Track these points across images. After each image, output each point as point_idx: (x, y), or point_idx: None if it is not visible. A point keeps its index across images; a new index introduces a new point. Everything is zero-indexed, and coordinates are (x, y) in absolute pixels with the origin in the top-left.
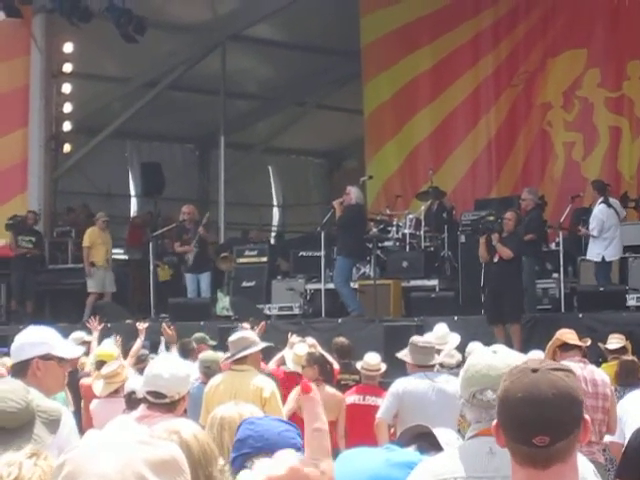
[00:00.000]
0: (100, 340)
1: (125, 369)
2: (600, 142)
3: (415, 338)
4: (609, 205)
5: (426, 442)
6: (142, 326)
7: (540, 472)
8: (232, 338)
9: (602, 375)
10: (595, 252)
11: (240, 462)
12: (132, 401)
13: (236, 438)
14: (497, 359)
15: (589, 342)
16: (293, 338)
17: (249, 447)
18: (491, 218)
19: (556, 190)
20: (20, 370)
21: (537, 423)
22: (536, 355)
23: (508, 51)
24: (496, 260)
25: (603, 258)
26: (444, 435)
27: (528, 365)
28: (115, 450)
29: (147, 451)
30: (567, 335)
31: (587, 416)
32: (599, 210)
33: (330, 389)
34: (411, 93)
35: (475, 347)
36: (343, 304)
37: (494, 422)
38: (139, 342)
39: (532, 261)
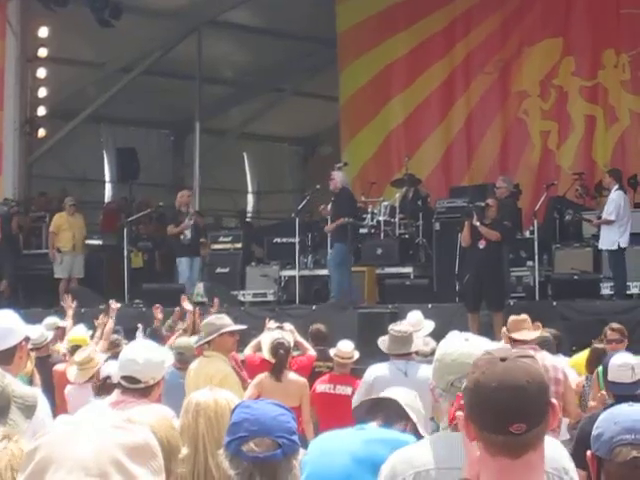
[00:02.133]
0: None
1: (98, 354)
2: (575, 131)
3: (391, 326)
4: (625, 192)
5: (383, 413)
6: (114, 305)
7: (512, 462)
8: (202, 323)
9: (553, 361)
10: (611, 240)
11: (235, 446)
12: (106, 386)
13: (231, 422)
14: (472, 347)
15: (540, 329)
16: (270, 324)
17: (245, 430)
18: (480, 204)
19: (532, 178)
20: (9, 356)
21: (514, 411)
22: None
23: (482, 39)
24: (482, 246)
25: (619, 245)
26: (404, 395)
27: (495, 355)
28: (89, 435)
29: (122, 436)
30: (518, 329)
31: (554, 400)
32: (617, 195)
33: (292, 375)
34: (386, 80)
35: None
36: (317, 291)
37: (461, 415)
38: (111, 323)
39: (506, 249)
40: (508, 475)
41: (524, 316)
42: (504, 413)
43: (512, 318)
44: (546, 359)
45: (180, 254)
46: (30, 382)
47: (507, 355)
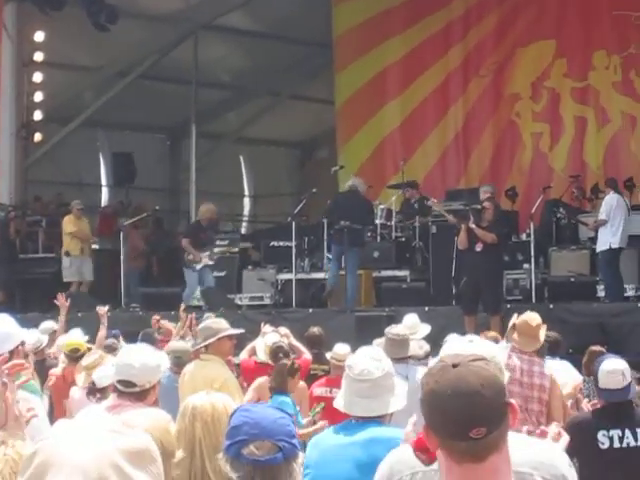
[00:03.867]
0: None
1: (105, 359)
2: (566, 132)
3: (388, 329)
4: (620, 195)
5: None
6: (102, 310)
7: (477, 466)
8: (199, 327)
9: (542, 368)
10: (603, 240)
11: (235, 449)
12: (91, 390)
13: (230, 425)
14: (476, 348)
15: (544, 332)
16: (266, 328)
17: (245, 434)
18: (477, 206)
19: (524, 181)
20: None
21: (471, 416)
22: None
23: (477, 41)
24: (479, 249)
25: (610, 246)
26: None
27: (446, 361)
28: (89, 440)
29: (121, 440)
30: (526, 335)
31: (512, 400)
32: (609, 197)
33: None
34: (382, 83)
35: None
36: (314, 295)
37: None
38: (103, 330)
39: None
40: (474, 479)
41: (538, 320)
42: (462, 419)
43: (524, 319)
44: (535, 364)
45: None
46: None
47: (459, 361)
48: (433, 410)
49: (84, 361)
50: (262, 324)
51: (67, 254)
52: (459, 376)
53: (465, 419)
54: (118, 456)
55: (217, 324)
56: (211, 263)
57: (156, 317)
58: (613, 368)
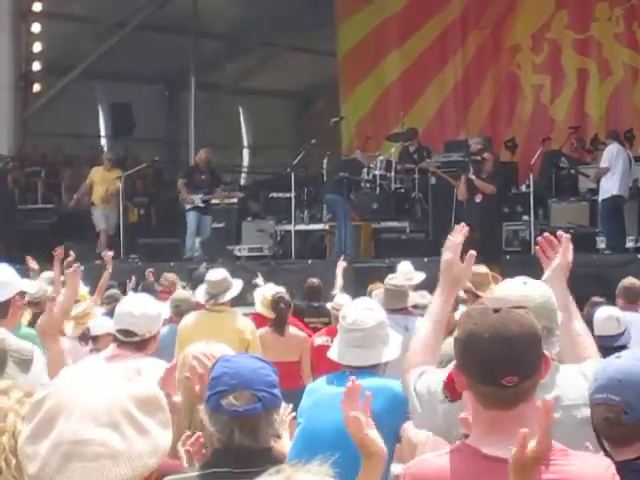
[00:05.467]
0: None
1: (95, 308)
2: (568, 84)
3: (386, 280)
4: (622, 146)
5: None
6: (108, 255)
7: (504, 413)
8: (212, 278)
9: None
10: (604, 188)
11: (215, 400)
12: (84, 337)
13: (211, 376)
14: (531, 290)
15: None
16: (258, 280)
17: (224, 384)
18: (477, 157)
19: (525, 132)
20: (3, 310)
21: (506, 363)
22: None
23: None
24: (479, 200)
25: (612, 194)
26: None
27: (487, 305)
28: (99, 385)
29: (131, 387)
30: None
31: (546, 352)
32: (611, 146)
33: (293, 330)
34: (383, 35)
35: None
36: (313, 245)
37: (452, 366)
38: (106, 274)
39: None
40: (500, 426)
41: (483, 270)
42: (496, 365)
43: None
44: None
45: (188, 209)
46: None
47: (500, 306)
48: (468, 352)
49: (73, 311)
50: (255, 277)
51: (92, 204)
52: (500, 320)
53: (499, 365)
54: (129, 402)
55: (229, 276)
56: (201, 205)
57: (150, 270)
58: (607, 315)
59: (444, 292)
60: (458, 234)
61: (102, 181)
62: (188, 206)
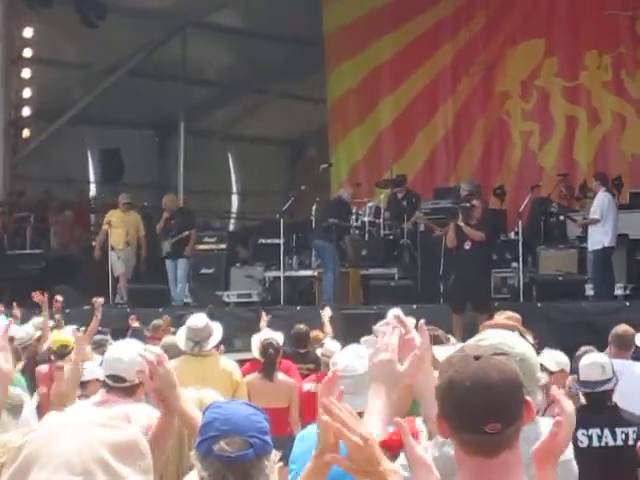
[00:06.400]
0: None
1: (93, 355)
2: (556, 132)
3: (376, 326)
4: (610, 194)
5: None
6: (98, 302)
7: (488, 460)
8: (193, 324)
9: None
10: (595, 239)
11: (206, 445)
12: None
13: (202, 422)
14: (515, 339)
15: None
16: (263, 319)
17: (215, 430)
18: (465, 204)
19: (513, 179)
20: None
21: (488, 411)
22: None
23: (467, 40)
24: (467, 247)
25: (603, 245)
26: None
27: (468, 352)
28: (75, 433)
29: (107, 434)
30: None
31: (528, 397)
32: (602, 195)
33: (282, 376)
34: (374, 82)
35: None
36: (302, 291)
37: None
38: (95, 321)
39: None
40: (485, 474)
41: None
42: (478, 413)
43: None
44: None
45: (165, 256)
46: (29, 380)
47: (481, 353)
48: (449, 400)
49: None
50: (263, 314)
51: (111, 248)
52: (480, 368)
53: (482, 413)
54: (103, 450)
55: (210, 321)
56: (169, 250)
57: (133, 317)
58: (592, 361)
59: (387, 394)
60: (393, 336)
61: (121, 224)
62: (164, 254)
